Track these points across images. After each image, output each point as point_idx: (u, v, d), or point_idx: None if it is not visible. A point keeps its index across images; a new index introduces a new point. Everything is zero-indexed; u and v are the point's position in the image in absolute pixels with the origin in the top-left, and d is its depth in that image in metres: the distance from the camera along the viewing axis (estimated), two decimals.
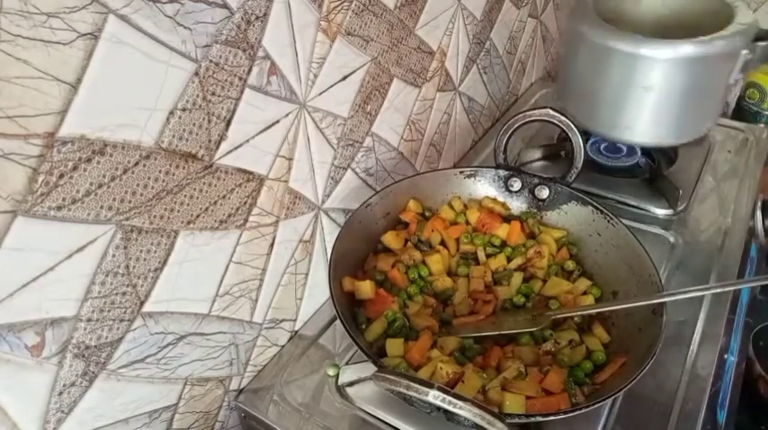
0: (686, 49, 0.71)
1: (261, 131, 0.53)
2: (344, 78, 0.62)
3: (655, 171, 0.87)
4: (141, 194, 0.44)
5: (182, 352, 0.53)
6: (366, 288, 0.60)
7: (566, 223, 0.71)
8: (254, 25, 0.48)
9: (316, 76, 0.58)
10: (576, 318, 0.61)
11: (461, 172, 0.73)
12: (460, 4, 0.81)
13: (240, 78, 0.49)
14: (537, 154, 0.92)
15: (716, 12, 0.78)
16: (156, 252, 0.47)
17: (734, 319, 0.71)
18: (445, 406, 0.43)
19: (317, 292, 0.70)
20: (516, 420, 0.49)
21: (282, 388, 0.62)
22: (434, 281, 0.64)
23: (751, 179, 0.89)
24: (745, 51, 0.72)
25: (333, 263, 0.59)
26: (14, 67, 0.33)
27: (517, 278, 0.65)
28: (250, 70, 0.50)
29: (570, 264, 0.67)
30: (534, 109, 0.68)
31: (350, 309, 0.61)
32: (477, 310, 0.62)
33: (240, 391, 0.62)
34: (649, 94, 0.74)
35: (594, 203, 0.68)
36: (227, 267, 0.55)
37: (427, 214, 0.71)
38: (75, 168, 0.39)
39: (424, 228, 0.68)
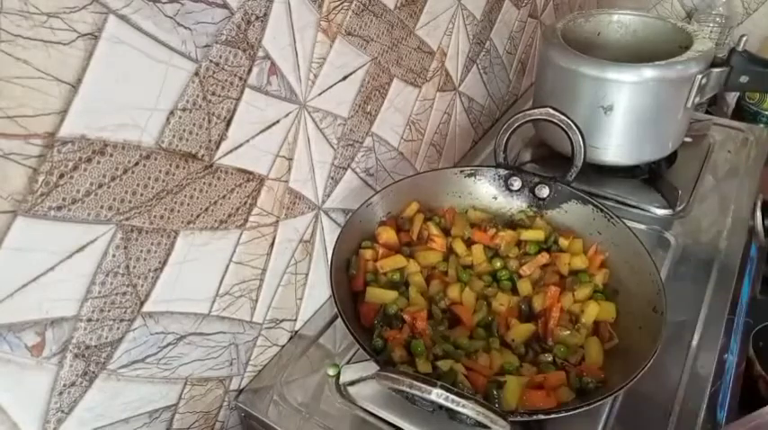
0: (644, 72, 0.76)
1: (261, 131, 0.53)
2: (344, 78, 0.62)
3: (654, 171, 0.88)
4: (141, 194, 0.44)
5: (182, 352, 0.53)
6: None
7: (566, 222, 0.71)
8: (254, 25, 0.48)
9: (316, 76, 0.58)
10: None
11: (461, 171, 0.73)
12: (460, 4, 0.81)
13: (240, 78, 0.49)
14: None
15: (677, 40, 0.85)
16: (156, 252, 0.47)
17: (734, 319, 0.71)
18: (448, 404, 0.43)
19: (317, 292, 0.70)
20: (518, 418, 0.49)
21: (282, 388, 0.62)
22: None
23: (751, 179, 0.89)
24: (700, 76, 0.77)
25: (333, 263, 0.59)
26: (15, 67, 0.33)
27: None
28: (250, 70, 0.50)
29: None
30: (534, 108, 0.68)
31: (351, 308, 0.61)
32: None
33: (240, 391, 0.62)
34: (612, 115, 0.79)
35: (595, 202, 0.68)
36: (227, 267, 0.55)
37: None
38: (75, 168, 0.39)
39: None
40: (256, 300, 0.60)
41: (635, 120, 0.79)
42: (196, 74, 0.45)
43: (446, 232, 0.70)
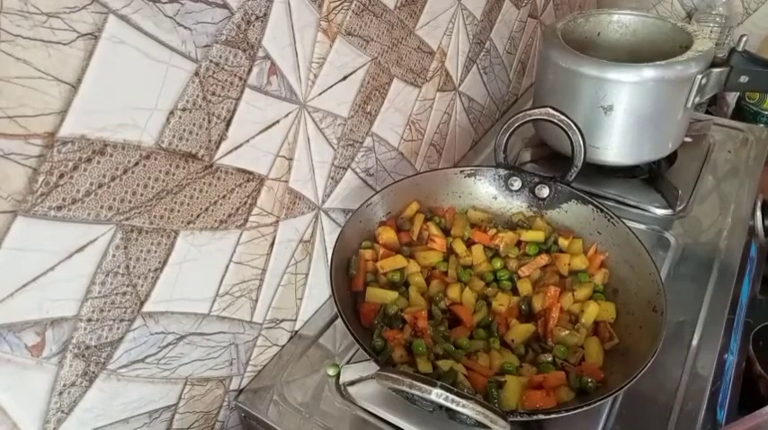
0: (644, 72, 0.76)
1: (261, 131, 0.53)
2: (344, 78, 0.62)
3: (654, 171, 0.88)
4: (141, 194, 0.44)
5: (182, 352, 0.53)
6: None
7: (566, 222, 0.71)
8: (254, 25, 0.48)
9: (316, 76, 0.58)
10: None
11: (461, 171, 0.73)
12: (460, 4, 0.81)
13: (240, 78, 0.49)
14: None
15: (677, 40, 0.85)
16: (156, 252, 0.47)
17: (734, 319, 0.71)
18: (448, 404, 0.43)
19: (317, 292, 0.70)
20: (518, 418, 0.49)
21: (282, 388, 0.62)
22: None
23: (751, 179, 0.89)
24: (700, 76, 0.77)
25: (333, 263, 0.59)
26: (15, 67, 0.33)
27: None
28: (250, 70, 0.50)
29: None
30: (534, 108, 0.68)
31: (351, 308, 0.61)
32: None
33: (240, 391, 0.62)
34: (612, 115, 0.79)
35: (595, 202, 0.68)
36: (227, 267, 0.55)
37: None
38: (75, 168, 0.39)
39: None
40: (256, 300, 0.60)
41: (635, 120, 0.79)
42: (196, 74, 0.45)
43: (446, 232, 0.70)
